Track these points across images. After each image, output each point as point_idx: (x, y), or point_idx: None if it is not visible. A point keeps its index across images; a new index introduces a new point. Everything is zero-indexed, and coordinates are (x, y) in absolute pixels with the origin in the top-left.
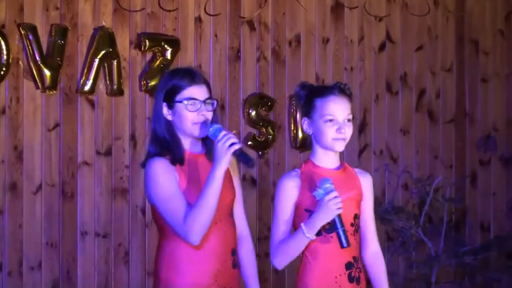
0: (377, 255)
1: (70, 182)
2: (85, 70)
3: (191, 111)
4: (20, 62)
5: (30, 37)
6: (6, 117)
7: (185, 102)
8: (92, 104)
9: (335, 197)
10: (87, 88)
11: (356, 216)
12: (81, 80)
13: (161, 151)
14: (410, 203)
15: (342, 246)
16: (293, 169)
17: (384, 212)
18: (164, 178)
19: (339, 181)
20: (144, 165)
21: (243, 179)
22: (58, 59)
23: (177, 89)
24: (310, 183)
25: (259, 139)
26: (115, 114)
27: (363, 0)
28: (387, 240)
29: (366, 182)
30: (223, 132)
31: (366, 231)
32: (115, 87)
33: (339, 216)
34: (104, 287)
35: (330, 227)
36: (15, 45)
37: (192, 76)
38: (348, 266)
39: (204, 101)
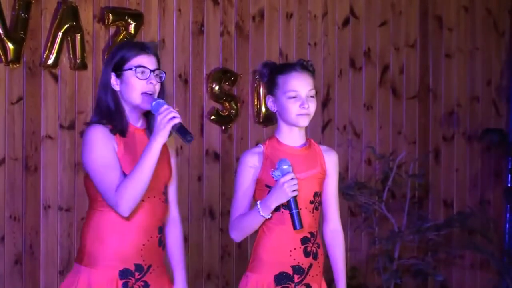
0: (337, 233)
1: (33, 156)
2: (49, 44)
3: (140, 78)
4: None
5: None
6: None
7: (135, 69)
8: (55, 78)
9: (291, 179)
10: (50, 62)
11: (316, 194)
12: (45, 54)
13: (102, 120)
14: (373, 179)
15: (294, 228)
16: (256, 145)
17: (347, 188)
18: (101, 145)
19: (302, 158)
20: (84, 131)
21: (206, 153)
22: (22, 32)
23: (126, 58)
24: (272, 160)
25: (223, 114)
26: (78, 88)
27: None
28: (350, 216)
29: (330, 160)
30: (165, 106)
31: (328, 209)
32: (78, 61)
33: (294, 198)
34: (67, 261)
35: (288, 205)
36: None
37: (142, 46)
38: (304, 240)
39: (153, 71)
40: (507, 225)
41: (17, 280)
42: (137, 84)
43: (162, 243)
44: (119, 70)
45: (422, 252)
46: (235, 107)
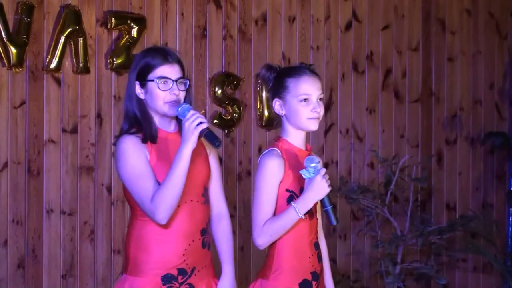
0: (322, 234)
1: (36, 159)
2: (51, 48)
3: (163, 90)
4: None
5: None
6: None
7: (157, 80)
8: (58, 81)
9: (326, 174)
10: (53, 65)
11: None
12: (47, 58)
13: (132, 129)
14: (376, 182)
15: (331, 223)
16: (260, 148)
17: (350, 191)
18: (133, 155)
19: None
20: (115, 143)
21: None
22: (24, 36)
23: (149, 68)
24: (290, 163)
25: (225, 118)
26: (81, 92)
27: None
28: (353, 219)
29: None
30: (191, 112)
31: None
32: (81, 65)
33: (327, 194)
34: (69, 264)
35: (323, 201)
36: None
37: (165, 55)
38: (316, 246)
39: (176, 80)
40: (510, 228)
41: (19, 283)
42: (160, 94)
43: (206, 244)
44: (142, 79)
45: (425, 256)
46: (237, 110)
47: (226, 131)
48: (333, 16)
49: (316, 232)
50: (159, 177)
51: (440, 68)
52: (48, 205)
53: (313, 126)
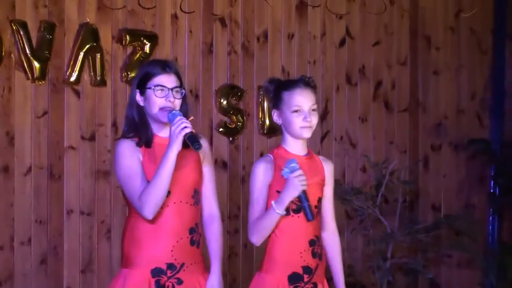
0: (335, 235)
1: (57, 164)
2: (71, 63)
3: (159, 97)
4: (12, 55)
5: (21, 32)
6: None
7: (154, 88)
8: (77, 93)
9: (300, 174)
10: (73, 79)
11: (319, 199)
12: (68, 72)
13: (130, 133)
14: (367, 185)
15: (308, 219)
16: (261, 154)
17: (344, 193)
18: (127, 157)
19: (307, 166)
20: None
21: (215, 162)
22: (47, 52)
23: (148, 77)
24: (281, 168)
25: (230, 126)
26: (98, 103)
27: None
28: (347, 219)
29: (328, 169)
30: (178, 117)
31: (326, 213)
32: (98, 78)
33: (304, 192)
34: (88, 260)
35: (297, 207)
36: (8, 40)
37: (164, 65)
38: (311, 243)
39: (172, 89)
40: (491, 227)
41: (42, 278)
42: (156, 101)
43: (195, 242)
44: (142, 87)
45: (413, 252)
46: (241, 120)
47: (230, 139)
48: (328, 33)
49: (315, 231)
50: (149, 177)
51: (426, 80)
52: (68, 206)
53: (306, 134)
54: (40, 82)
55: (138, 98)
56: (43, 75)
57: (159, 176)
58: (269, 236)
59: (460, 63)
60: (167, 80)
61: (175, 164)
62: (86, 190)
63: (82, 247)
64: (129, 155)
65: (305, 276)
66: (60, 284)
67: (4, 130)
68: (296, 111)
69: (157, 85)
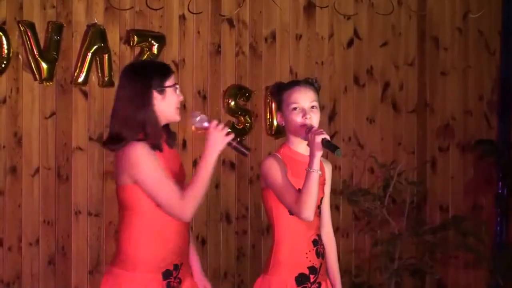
0: (331, 234)
1: (65, 165)
2: (79, 64)
3: (179, 94)
4: (20, 56)
5: (29, 33)
6: (7, 106)
7: (176, 86)
8: (85, 94)
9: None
10: (80, 80)
11: (321, 200)
12: (75, 73)
13: (139, 137)
14: (375, 186)
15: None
16: (269, 154)
17: (351, 194)
18: (154, 160)
19: None
20: (106, 144)
21: (223, 163)
22: (54, 53)
23: (165, 76)
24: (290, 166)
25: (238, 127)
26: (106, 104)
27: (332, 0)
28: (355, 219)
29: (328, 170)
30: (215, 121)
31: (323, 213)
32: (106, 79)
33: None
34: (96, 261)
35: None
36: (15, 41)
37: (168, 66)
38: (315, 243)
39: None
40: (498, 228)
41: (50, 279)
42: (176, 99)
43: (189, 241)
44: (161, 87)
45: (420, 253)
46: (249, 120)
47: (238, 139)
48: (336, 34)
49: (316, 230)
50: None
51: (434, 81)
52: (76, 207)
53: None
54: (48, 83)
55: (156, 97)
56: (51, 76)
57: (204, 180)
58: (274, 239)
59: (468, 64)
60: (174, 79)
61: (173, 164)
62: (94, 191)
63: (90, 248)
64: (154, 158)
65: (311, 276)
66: (68, 285)
67: (12, 131)
68: (295, 108)
69: (175, 84)
